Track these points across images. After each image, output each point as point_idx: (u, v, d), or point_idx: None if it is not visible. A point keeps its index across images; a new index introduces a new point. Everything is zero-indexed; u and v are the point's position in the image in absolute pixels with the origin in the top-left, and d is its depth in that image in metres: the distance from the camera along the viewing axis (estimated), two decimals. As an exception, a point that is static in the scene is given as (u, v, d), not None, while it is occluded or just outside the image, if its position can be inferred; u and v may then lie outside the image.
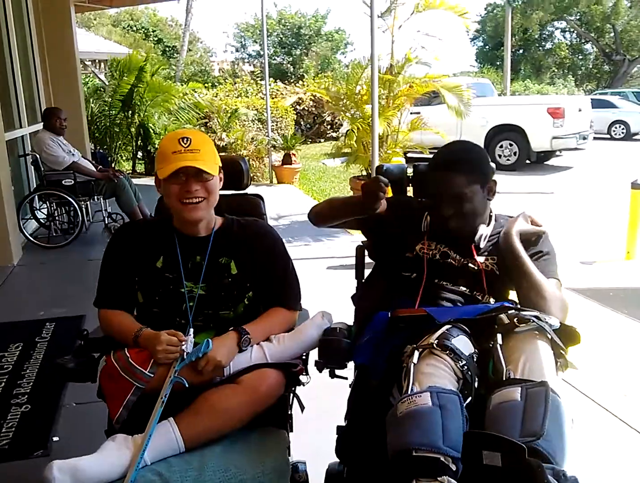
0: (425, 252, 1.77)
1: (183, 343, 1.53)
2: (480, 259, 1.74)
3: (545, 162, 11.56)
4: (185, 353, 1.52)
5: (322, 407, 2.24)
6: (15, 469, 2.31)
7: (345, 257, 5.13)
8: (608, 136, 17.39)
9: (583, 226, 6.28)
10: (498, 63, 27.84)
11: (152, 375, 1.52)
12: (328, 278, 4.62)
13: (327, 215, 1.97)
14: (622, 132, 17.54)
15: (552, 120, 10.74)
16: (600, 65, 31.89)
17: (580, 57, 32.93)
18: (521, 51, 31.85)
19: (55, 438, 2.48)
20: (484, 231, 1.76)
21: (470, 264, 1.74)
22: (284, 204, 7.55)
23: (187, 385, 1.50)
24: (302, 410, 1.73)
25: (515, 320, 1.43)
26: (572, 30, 31.66)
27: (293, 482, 1.53)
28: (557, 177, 10.25)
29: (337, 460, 1.74)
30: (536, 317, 1.44)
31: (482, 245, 1.75)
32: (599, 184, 8.99)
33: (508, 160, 10.96)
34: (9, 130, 5.64)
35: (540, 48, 32.46)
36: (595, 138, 12.90)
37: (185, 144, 1.60)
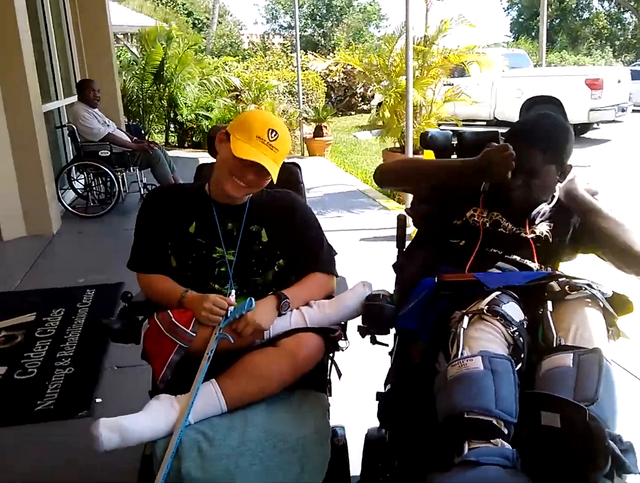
0: (476, 219, 1.73)
1: (230, 307, 1.56)
2: (534, 230, 1.70)
3: (582, 135, 11.28)
4: (228, 312, 1.55)
5: (359, 373, 2.26)
6: (59, 428, 2.39)
7: (378, 229, 5.13)
8: (647, 108, 16.87)
9: (620, 200, 6.15)
10: (533, 33, 27.12)
11: (195, 335, 1.54)
12: (362, 250, 4.62)
13: (402, 176, 1.87)
14: (662, 104, 16.98)
15: (590, 92, 10.45)
16: (640, 36, 30.81)
17: (618, 27, 31.82)
18: (557, 21, 30.90)
19: (98, 400, 2.56)
20: (544, 209, 1.71)
21: (522, 234, 1.70)
22: (316, 176, 7.54)
23: (232, 341, 1.53)
24: (339, 377, 1.74)
25: (566, 287, 1.41)
26: (610, -2, 30.59)
27: (332, 447, 1.53)
28: (594, 150, 10.00)
29: (376, 425, 1.75)
30: (588, 284, 1.41)
31: (536, 221, 1.71)
32: (638, 157, 8.76)
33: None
34: (46, 102, 5.70)
35: (577, 18, 31.46)
36: (634, 110, 12.54)
37: (272, 137, 1.60)
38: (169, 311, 1.59)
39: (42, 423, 2.43)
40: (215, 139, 1.69)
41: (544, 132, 1.64)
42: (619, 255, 1.62)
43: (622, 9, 30.79)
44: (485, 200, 1.75)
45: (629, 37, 31.50)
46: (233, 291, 1.63)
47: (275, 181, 1.64)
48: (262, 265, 1.72)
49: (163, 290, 1.70)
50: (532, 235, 1.70)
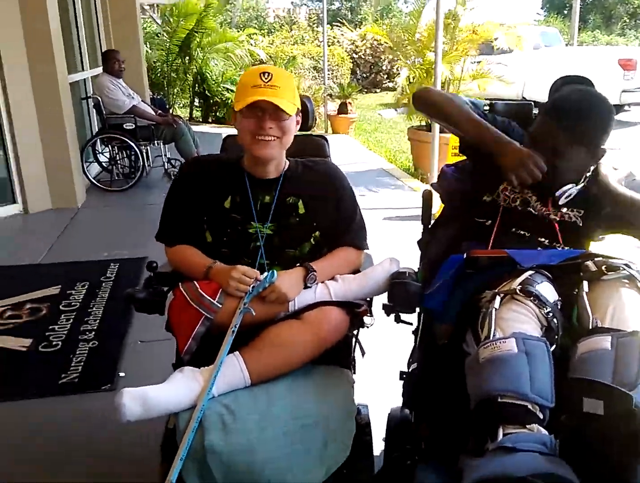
0: (508, 194, 1.68)
1: (256, 281, 1.54)
2: (561, 210, 1.65)
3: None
4: (252, 287, 1.53)
5: (382, 352, 2.25)
6: (84, 401, 2.42)
7: (401, 208, 5.08)
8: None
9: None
10: (565, 12, 26.44)
11: (220, 306, 1.53)
12: (386, 229, 4.58)
13: (432, 112, 1.84)
14: (698, 87, 16.51)
15: (623, 72, 10.19)
16: (678, 15, 29.86)
17: (655, 5, 30.87)
18: (591, -1, 30.10)
19: (121, 374, 2.59)
20: (570, 190, 1.63)
21: (551, 215, 1.65)
22: (339, 154, 7.44)
23: (253, 314, 1.51)
24: (362, 355, 1.72)
25: (603, 267, 1.36)
26: (648, -25, 29.63)
27: (355, 423, 1.52)
28: (626, 132, 9.76)
29: (398, 405, 1.74)
30: (626, 264, 1.36)
31: (560, 202, 1.64)
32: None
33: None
34: (71, 72, 5.70)
35: (612, -4, 30.57)
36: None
37: (266, 78, 1.57)
38: (195, 282, 1.58)
39: (66, 396, 2.46)
40: (233, 123, 1.68)
41: (579, 113, 1.56)
42: None
43: (659, -13, 29.83)
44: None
45: (666, 16, 30.55)
46: (266, 272, 1.60)
47: (299, 122, 1.66)
48: (299, 237, 1.70)
49: (190, 260, 1.68)
50: (559, 218, 1.65)
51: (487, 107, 1.95)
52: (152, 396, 1.39)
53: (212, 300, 1.53)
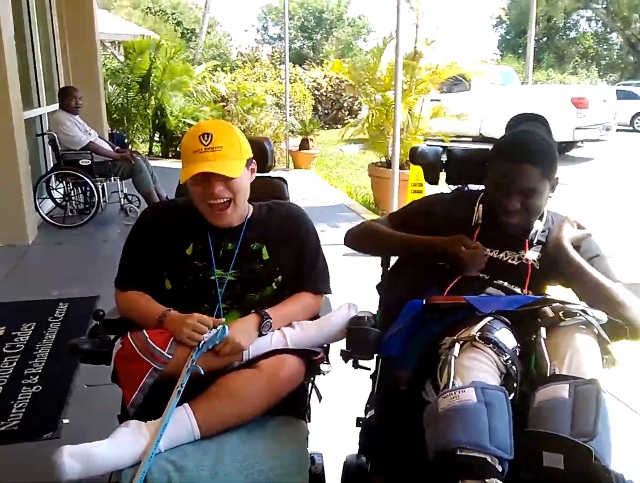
0: None
1: (214, 329, 1.49)
2: (531, 254, 1.65)
3: (566, 153, 11.36)
4: (202, 343, 1.48)
5: (339, 397, 2.19)
6: (24, 450, 2.29)
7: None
8: (631, 128, 17.10)
9: (603, 219, 6.15)
10: (520, 51, 27.48)
11: (171, 357, 1.47)
12: (345, 265, 4.54)
13: (372, 246, 1.87)
14: (646, 125, 17.23)
15: (576, 110, 10.57)
16: (625, 56, 31.37)
17: (604, 46, 32.42)
18: (545, 39, 31.40)
19: (65, 421, 2.46)
20: (539, 227, 1.66)
21: (515, 258, 1.65)
22: (301, 190, 7.47)
23: (202, 373, 1.45)
24: (319, 400, 1.68)
25: (560, 313, 1.35)
26: (597, 19, 31.14)
27: (309, 474, 1.46)
28: (577, 168, 10.07)
29: (354, 452, 1.68)
30: (583, 310, 1.35)
31: (535, 241, 1.65)
32: (620, 177, 8.82)
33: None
34: (27, 108, 5.60)
35: (565, 37, 32.03)
36: (618, 130, 12.69)
37: (206, 141, 1.53)
38: (144, 331, 1.52)
39: (4, 445, 2.32)
40: None
41: (532, 145, 1.59)
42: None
43: (608, 30, 31.35)
44: (479, 234, 1.67)
45: (615, 57, 32.11)
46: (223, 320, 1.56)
47: (254, 169, 1.66)
48: (261, 283, 1.66)
49: (143, 308, 1.63)
50: (517, 262, 1.65)
51: (444, 155, 1.96)
52: (94, 453, 1.31)
53: (162, 351, 1.47)
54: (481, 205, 1.71)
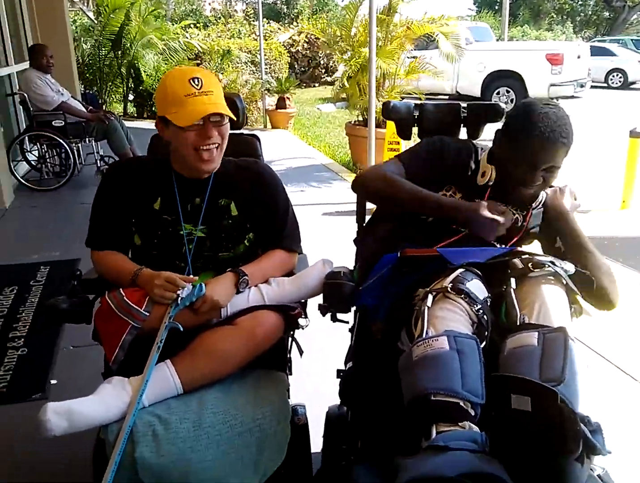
0: (450, 195, 1.69)
1: (182, 288, 1.50)
2: (533, 220, 1.69)
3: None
4: (179, 298, 1.49)
5: (320, 350, 2.25)
6: (13, 412, 2.32)
7: (341, 203, 5.10)
8: (605, 85, 17.17)
9: (578, 175, 6.23)
10: (496, 7, 27.16)
11: (148, 314, 1.49)
12: (324, 224, 4.59)
13: (381, 196, 1.75)
14: (620, 81, 17.32)
15: (551, 67, 10.59)
16: (600, 12, 31.20)
17: (579, 2, 32.15)
18: (521, -5, 31.04)
19: (53, 381, 2.49)
20: (542, 197, 1.68)
21: (519, 223, 1.68)
22: (278, 149, 7.45)
23: (181, 330, 1.48)
24: (300, 354, 1.72)
25: (529, 264, 1.39)
26: (573, -27, 30.84)
27: (293, 425, 1.51)
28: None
29: (337, 403, 1.73)
30: (551, 261, 1.40)
31: (534, 212, 1.68)
32: (596, 133, 8.89)
33: (505, 106, 10.79)
34: (-5, 68, 5.46)
35: (540, -8, 31.64)
36: (592, 86, 12.73)
37: (197, 85, 1.51)
38: (120, 290, 1.53)
39: (-5, 407, 2.35)
40: (158, 131, 1.62)
41: (569, 127, 1.55)
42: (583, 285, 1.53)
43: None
44: (489, 197, 1.66)
45: (590, 13, 31.90)
46: (191, 275, 1.57)
47: (235, 118, 1.60)
48: (232, 240, 1.67)
49: (116, 267, 1.63)
50: (521, 225, 1.68)
51: (416, 111, 1.96)
52: (78, 410, 1.34)
53: (138, 308, 1.49)
54: (492, 168, 1.66)
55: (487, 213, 1.56)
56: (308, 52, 15.91)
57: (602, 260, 1.58)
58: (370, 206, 1.95)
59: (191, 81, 1.52)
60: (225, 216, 1.66)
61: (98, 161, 5.68)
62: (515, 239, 1.67)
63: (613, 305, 1.54)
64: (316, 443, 1.73)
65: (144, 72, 10.19)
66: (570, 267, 1.43)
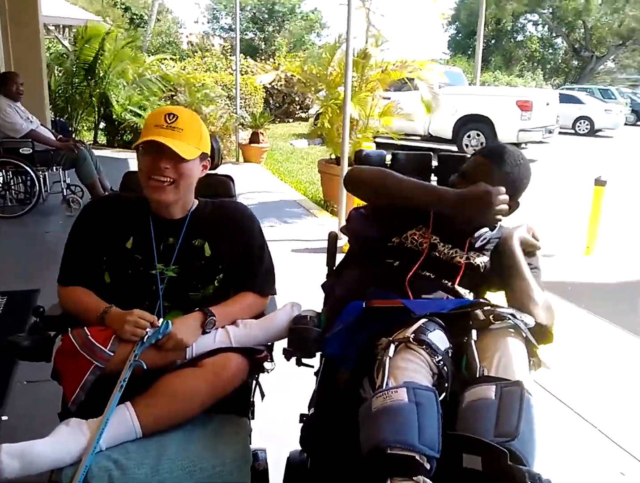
0: (416, 238, 1.72)
1: (148, 330, 1.47)
2: (470, 254, 1.71)
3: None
4: (146, 336, 1.47)
5: (283, 395, 2.21)
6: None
7: (310, 241, 5.10)
8: (572, 131, 17.74)
9: (543, 220, 6.36)
10: (470, 52, 28.02)
11: (112, 354, 1.46)
12: (293, 262, 4.58)
13: (375, 189, 1.76)
14: (587, 128, 17.94)
15: (520, 113, 10.89)
16: (569, 61, 32.51)
17: (550, 51, 33.49)
18: (493, 42, 32.14)
19: (4, 418, 2.39)
20: (486, 234, 1.70)
21: (457, 258, 1.70)
22: (250, 184, 7.46)
23: (145, 368, 1.45)
24: (262, 398, 1.70)
25: (491, 316, 1.41)
26: (544, 23, 32.11)
27: (253, 471, 1.47)
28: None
29: (299, 448, 1.70)
30: (512, 314, 1.42)
31: (477, 245, 1.70)
32: (562, 179, 9.13)
33: (474, 150, 11.00)
34: (-36, 93, 5.36)
35: (512, 40, 32.89)
36: (560, 132, 13.12)
37: (170, 120, 1.54)
38: (85, 328, 1.50)
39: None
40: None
41: (513, 162, 1.67)
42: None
43: (554, 34, 32.36)
44: (434, 222, 1.72)
45: (559, 61, 33.22)
46: (162, 319, 1.54)
47: (207, 166, 1.65)
48: (203, 280, 1.66)
49: (83, 304, 1.61)
50: (466, 261, 1.70)
51: (389, 158, 2.00)
52: (33, 452, 1.30)
53: (102, 348, 1.45)
54: None
55: (487, 186, 1.59)
56: (284, 88, 16.11)
57: (532, 287, 1.63)
58: (341, 243, 1.95)
59: (166, 116, 1.55)
60: (198, 256, 1.65)
61: (64, 190, 5.61)
62: (460, 273, 1.68)
63: (551, 341, 1.56)
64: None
65: (116, 101, 10.16)
66: (530, 320, 1.45)
